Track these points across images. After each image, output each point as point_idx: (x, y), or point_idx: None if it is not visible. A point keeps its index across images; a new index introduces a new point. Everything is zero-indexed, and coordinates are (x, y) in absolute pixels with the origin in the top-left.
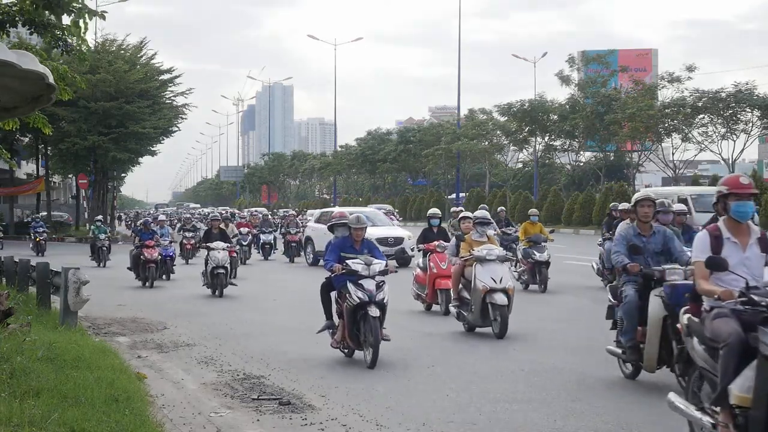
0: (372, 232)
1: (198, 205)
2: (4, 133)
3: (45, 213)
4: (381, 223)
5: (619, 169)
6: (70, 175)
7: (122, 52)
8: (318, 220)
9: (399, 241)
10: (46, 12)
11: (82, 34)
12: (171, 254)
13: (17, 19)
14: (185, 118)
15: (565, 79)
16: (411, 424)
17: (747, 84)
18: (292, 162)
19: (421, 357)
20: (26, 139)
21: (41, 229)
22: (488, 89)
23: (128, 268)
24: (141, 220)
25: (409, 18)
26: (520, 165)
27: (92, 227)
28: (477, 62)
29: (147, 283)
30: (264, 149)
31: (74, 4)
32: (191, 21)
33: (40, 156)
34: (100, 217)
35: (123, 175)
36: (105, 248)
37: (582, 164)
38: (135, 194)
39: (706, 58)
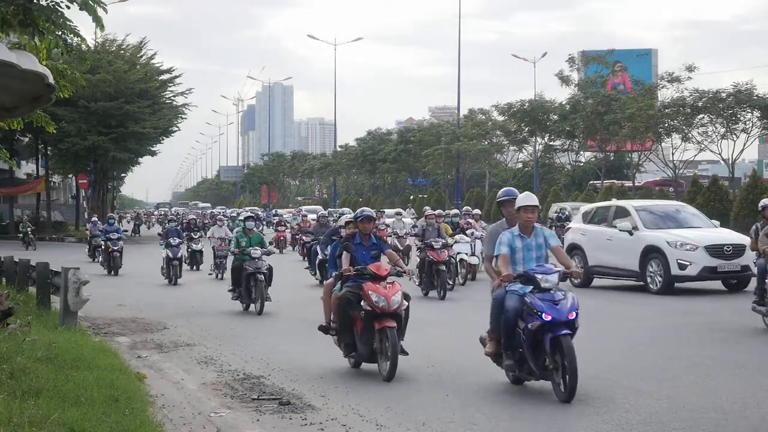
0: (688, 236)
1: (208, 204)
2: (4, 133)
3: None
4: (695, 224)
5: (619, 169)
6: (70, 175)
7: (122, 52)
8: (591, 220)
9: (740, 250)
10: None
11: (62, 54)
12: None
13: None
14: (185, 118)
15: (565, 79)
16: (411, 424)
17: (746, 84)
18: (291, 162)
19: (421, 357)
20: (26, 139)
21: (116, 236)
22: (488, 89)
23: (320, 328)
24: (359, 214)
25: (409, 18)
26: (520, 165)
27: (235, 234)
28: (477, 62)
29: (385, 374)
30: (264, 149)
31: (47, 24)
32: (191, 21)
33: (40, 156)
34: (249, 213)
35: (123, 175)
36: (263, 277)
37: (582, 164)
38: (135, 194)
39: (706, 58)
